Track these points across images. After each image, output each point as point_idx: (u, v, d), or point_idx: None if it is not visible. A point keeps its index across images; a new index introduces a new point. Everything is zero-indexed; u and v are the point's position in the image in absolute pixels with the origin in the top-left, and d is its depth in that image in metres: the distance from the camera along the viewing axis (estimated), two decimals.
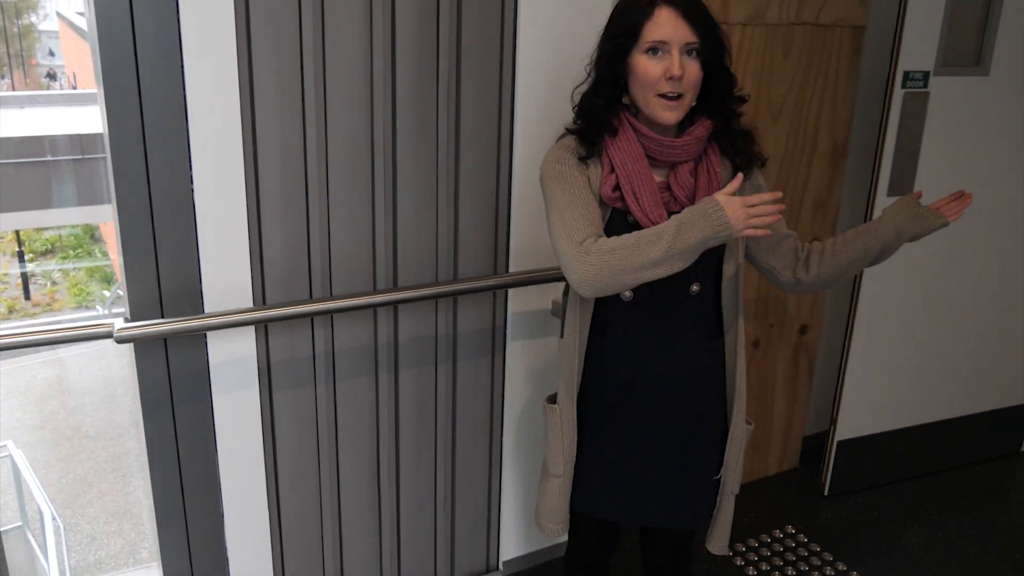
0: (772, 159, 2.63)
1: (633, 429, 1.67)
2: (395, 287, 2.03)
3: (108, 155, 1.67)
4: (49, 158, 10.13)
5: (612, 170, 1.55)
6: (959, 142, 2.68)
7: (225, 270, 1.81)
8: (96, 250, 19.06)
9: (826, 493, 2.97)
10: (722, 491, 1.73)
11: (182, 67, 1.66)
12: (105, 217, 11.87)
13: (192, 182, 1.73)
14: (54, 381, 12.06)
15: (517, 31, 2.00)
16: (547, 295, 2.25)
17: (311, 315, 1.92)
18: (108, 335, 1.67)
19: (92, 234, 19.34)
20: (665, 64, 1.47)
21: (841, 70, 2.69)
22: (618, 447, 1.69)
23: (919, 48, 2.51)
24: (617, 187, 1.54)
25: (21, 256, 17.14)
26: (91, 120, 10.82)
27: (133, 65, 1.63)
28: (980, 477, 3.14)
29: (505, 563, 2.46)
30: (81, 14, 19.32)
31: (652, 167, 1.56)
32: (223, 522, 1.99)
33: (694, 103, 1.53)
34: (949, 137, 2.65)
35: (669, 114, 1.50)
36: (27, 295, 16.44)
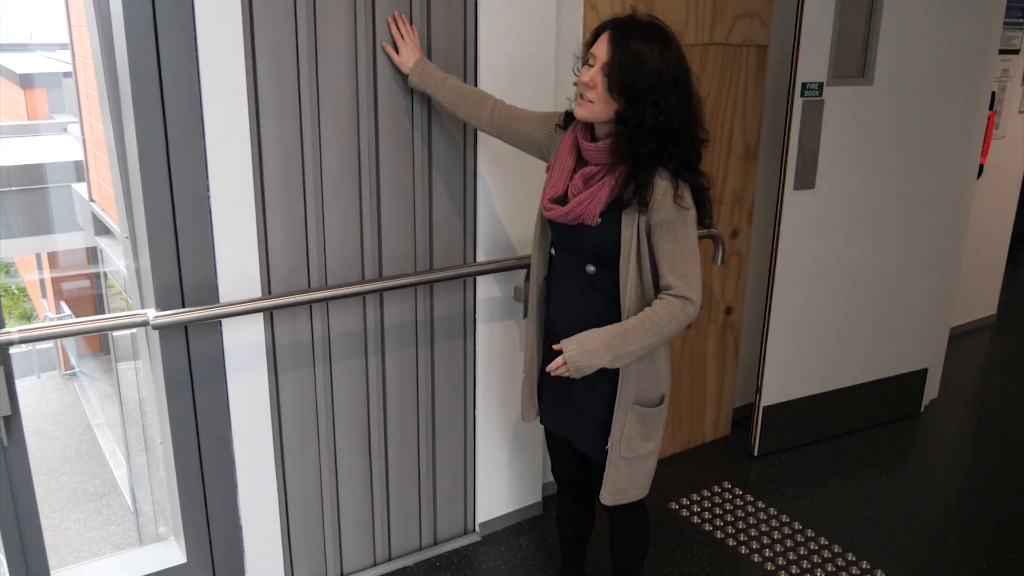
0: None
1: (547, 359, 2.09)
2: (380, 277, 2.33)
3: (138, 167, 1.94)
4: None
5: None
6: (852, 141, 3.12)
7: (237, 264, 2.08)
8: (13, 285, 18.57)
9: (755, 454, 3.36)
10: (610, 454, 2.00)
11: (200, 90, 1.94)
12: (45, 247, 11.71)
13: (208, 189, 2.01)
14: None
15: (478, 57, 2.33)
16: (509, 282, 2.58)
17: (310, 303, 2.21)
18: (144, 323, 1.93)
19: (7, 270, 18.84)
20: (588, 74, 1.82)
21: (749, 83, 3.11)
22: (544, 373, 2.12)
23: (813, 62, 2.94)
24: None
25: None
26: (18, 152, 10.71)
27: (158, 91, 1.91)
28: (887, 435, 3.58)
29: (481, 524, 2.77)
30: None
31: (585, 164, 1.90)
32: (236, 490, 2.25)
33: (607, 117, 1.79)
34: (843, 137, 3.09)
35: (578, 109, 1.84)
36: None
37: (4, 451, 1.93)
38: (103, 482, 9.79)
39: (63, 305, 12.71)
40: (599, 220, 1.85)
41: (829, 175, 3.11)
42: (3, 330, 1.81)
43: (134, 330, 2.48)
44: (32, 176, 10.08)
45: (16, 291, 18.32)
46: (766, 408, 3.32)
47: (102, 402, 11.48)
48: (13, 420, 1.92)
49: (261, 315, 2.15)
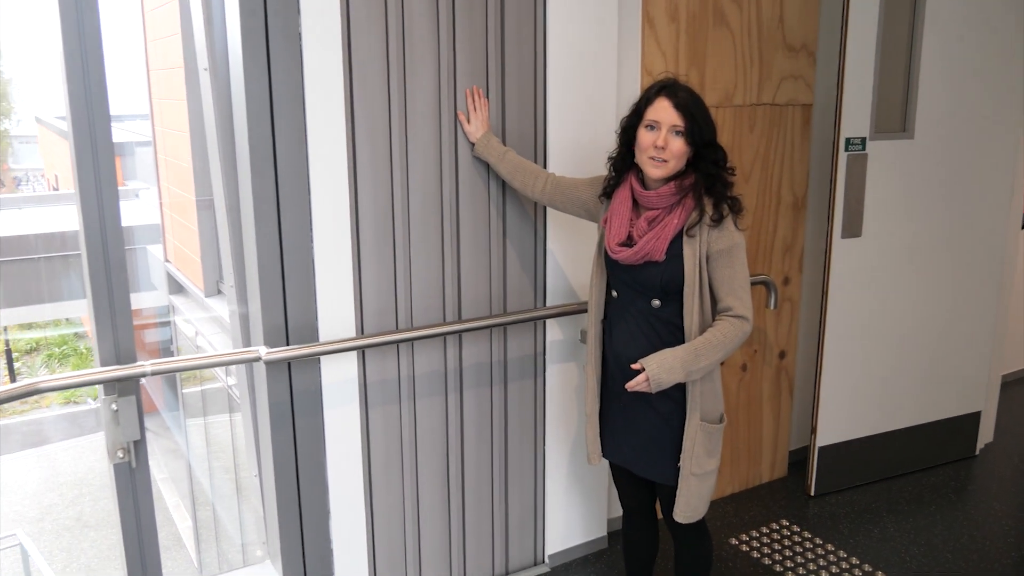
0: (746, 212, 3.21)
1: (607, 397, 2.33)
2: (460, 319, 2.56)
3: (252, 221, 2.21)
4: (37, 256, 10.55)
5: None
6: (896, 192, 3.30)
7: (335, 307, 2.33)
8: (82, 346, 19.27)
9: (812, 494, 3.47)
10: (682, 471, 2.19)
11: (307, 154, 2.22)
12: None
13: (312, 241, 2.27)
14: (48, 475, 12.18)
15: (548, 119, 2.59)
16: (575, 326, 2.79)
17: (398, 342, 2.44)
18: (257, 359, 2.18)
19: (76, 332, 19.57)
20: (655, 136, 2.07)
21: (796, 139, 3.32)
22: (609, 409, 2.33)
23: (856, 119, 3.14)
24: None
25: (9, 356, 17.32)
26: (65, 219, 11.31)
27: (271, 157, 2.19)
28: (943, 476, 3.66)
29: (550, 556, 2.93)
30: (61, 118, 19.89)
31: (644, 210, 2.15)
32: (329, 516, 2.46)
33: (681, 168, 2.09)
34: (887, 188, 3.26)
35: (655, 170, 2.07)
36: None
37: (132, 472, 2.18)
38: (167, 535, 10.05)
39: None
40: (664, 256, 2.08)
41: (875, 224, 3.28)
42: (137, 363, 2.07)
43: (210, 385, 2.70)
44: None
45: (84, 351, 19.02)
46: (821, 449, 3.44)
47: (166, 457, 11.85)
48: (140, 445, 2.17)
49: (355, 353, 2.39)
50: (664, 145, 2.04)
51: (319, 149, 2.23)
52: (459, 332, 2.55)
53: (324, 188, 2.26)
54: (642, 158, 2.10)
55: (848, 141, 3.15)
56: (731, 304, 2.08)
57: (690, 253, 2.08)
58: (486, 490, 2.75)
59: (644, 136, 2.08)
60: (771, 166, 3.28)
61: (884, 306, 3.41)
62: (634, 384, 2.07)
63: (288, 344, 2.30)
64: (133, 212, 12.04)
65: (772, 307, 3.08)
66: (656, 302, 2.14)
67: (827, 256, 3.26)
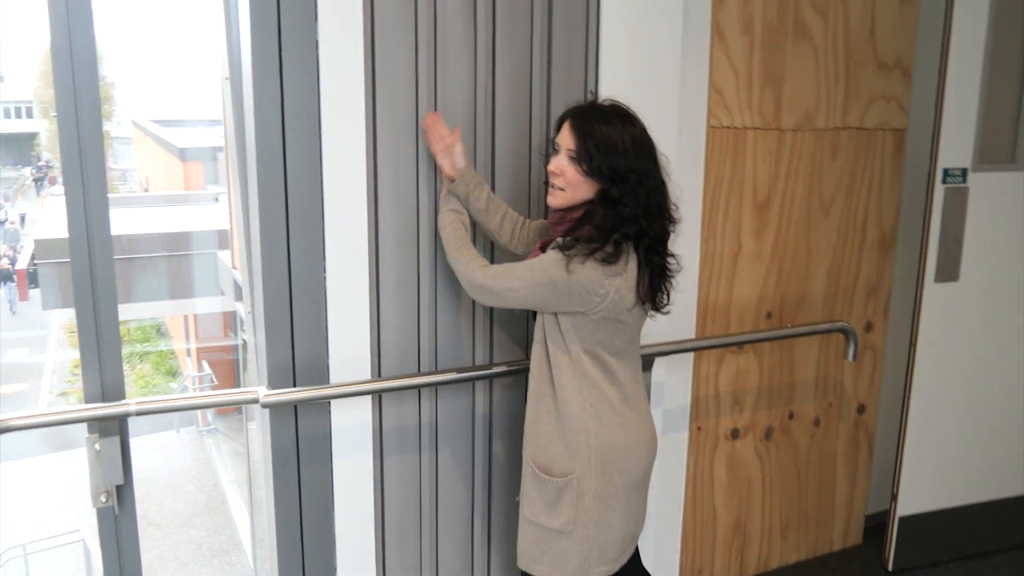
0: (824, 250, 2.88)
1: None
2: (490, 363, 2.29)
3: (259, 245, 1.99)
4: (131, 256, 10.78)
5: None
6: (1001, 231, 2.90)
7: (348, 345, 2.09)
8: (161, 344, 19.77)
9: (890, 568, 3.08)
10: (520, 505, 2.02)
11: (321, 173, 1.99)
12: (186, 310, 12.42)
13: (325, 270, 2.04)
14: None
15: None
16: None
17: (420, 387, 2.19)
18: (255, 401, 1.95)
19: (158, 328, 20.10)
20: (554, 161, 1.85)
21: (886, 168, 2.95)
22: None
23: (956, 147, 2.76)
24: None
25: None
26: (172, 220, 11.50)
27: (282, 174, 1.97)
28: None
29: None
30: (158, 121, 20.54)
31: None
32: (335, 573, 2.22)
33: (585, 198, 1.83)
34: (990, 228, 2.87)
35: (550, 197, 1.89)
36: None
37: (115, 519, 1.98)
38: (228, 539, 10.09)
39: (204, 364, 13.38)
40: None
41: (975, 267, 2.88)
42: (122, 401, 1.87)
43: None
44: (181, 243, 10.78)
45: (165, 350, 19.51)
46: (903, 519, 3.04)
47: (233, 460, 11.93)
48: (125, 489, 1.97)
49: (369, 397, 2.15)
50: (556, 170, 1.84)
51: (335, 167, 2.00)
52: (489, 377, 2.28)
53: (340, 211, 2.03)
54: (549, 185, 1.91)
55: (946, 172, 2.78)
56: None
57: None
58: (515, 545, 2.47)
59: (550, 160, 1.89)
60: (856, 198, 2.92)
61: (982, 359, 3.00)
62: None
63: (295, 384, 2.07)
64: (210, 217, 12.24)
65: (851, 358, 2.73)
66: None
67: (917, 301, 2.89)
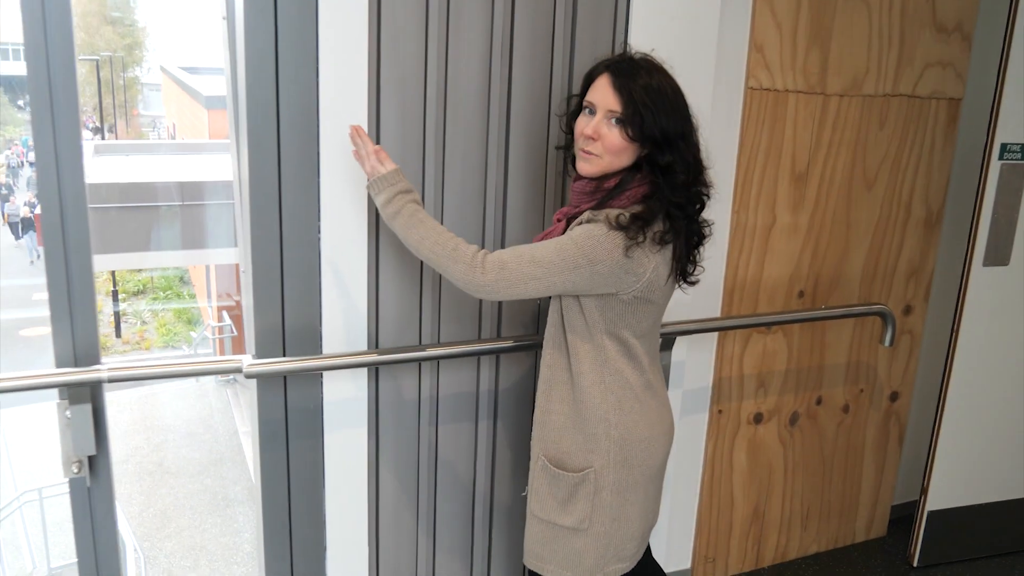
0: (865, 227, 2.67)
1: None
2: (498, 336, 2.13)
3: (248, 201, 1.82)
4: (151, 204, 10.69)
5: None
6: None
7: (343, 313, 1.93)
8: (185, 292, 19.85)
9: (915, 564, 2.91)
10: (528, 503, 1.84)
11: (317, 126, 1.82)
12: (200, 261, 12.35)
13: (319, 231, 1.87)
14: (139, 417, 12.48)
15: None
16: None
17: (420, 360, 2.03)
18: (238, 370, 1.80)
19: (181, 278, 20.16)
20: (587, 123, 1.62)
21: (937, 140, 2.72)
22: None
23: (1017, 120, 2.53)
24: None
25: (115, 295, 17.94)
26: (192, 169, 11.38)
27: (275, 120, 1.79)
28: None
29: None
30: (186, 68, 20.38)
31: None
32: (325, 555, 2.08)
33: (623, 167, 1.63)
34: None
35: (583, 164, 1.65)
36: (118, 333, 17.14)
37: (88, 492, 1.85)
38: (243, 489, 10.10)
39: (224, 315, 13.37)
40: None
41: None
42: (93, 367, 1.72)
43: None
44: (198, 192, 10.66)
45: (187, 296, 19.60)
46: (931, 513, 2.87)
47: (251, 410, 11.98)
48: (99, 460, 1.84)
49: (365, 369, 1.99)
50: (594, 135, 1.60)
51: (333, 118, 1.82)
52: (496, 352, 2.12)
53: (338, 169, 1.85)
54: (576, 149, 1.68)
55: (1004, 147, 2.55)
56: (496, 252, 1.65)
57: None
58: (518, 536, 2.33)
59: (579, 122, 1.66)
60: (902, 172, 2.69)
61: None
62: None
63: (284, 353, 1.92)
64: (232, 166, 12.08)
65: (887, 344, 2.53)
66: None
67: (963, 286, 2.68)
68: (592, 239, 1.57)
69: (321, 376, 1.96)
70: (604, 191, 1.65)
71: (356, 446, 2.04)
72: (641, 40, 2.05)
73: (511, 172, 2.04)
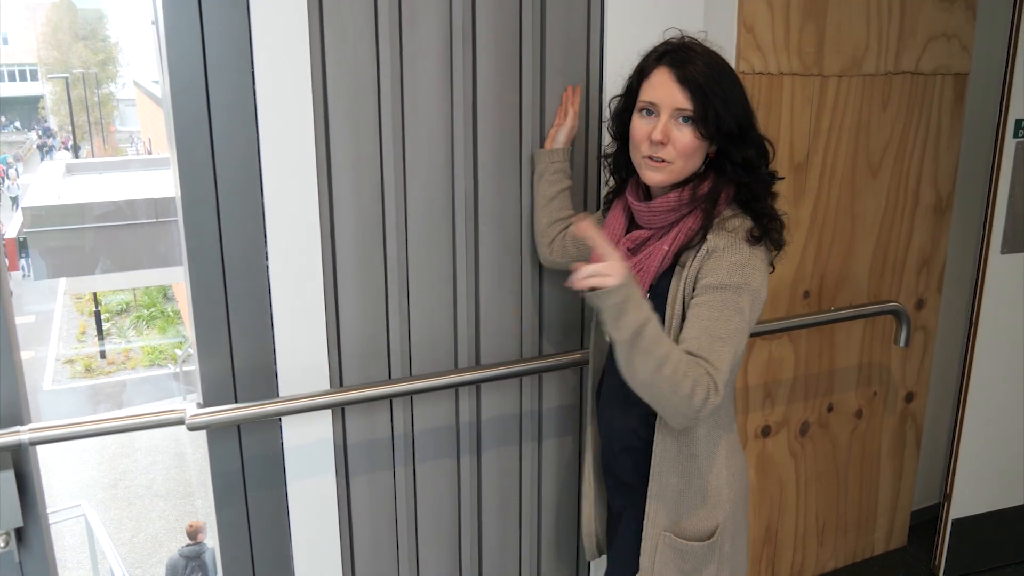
0: (871, 217, 2.46)
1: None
2: (478, 365, 1.91)
3: (181, 227, 1.60)
4: (127, 222, 10.43)
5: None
6: None
7: (301, 348, 1.71)
8: (169, 309, 19.53)
9: (941, 575, 2.72)
10: None
11: (257, 136, 1.59)
12: (181, 278, 12.10)
13: (267, 257, 1.65)
14: (127, 440, 12.22)
15: (604, 92, 1.89)
16: None
17: (391, 396, 1.81)
18: (180, 422, 1.58)
19: (165, 293, 19.86)
20: (651, 126, 1.40)
21: (944, 120, 2.52)
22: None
23: None
24: None
25: (98, 316, 17.63)
26: (167, 184, 11.11)
27: (207, 133, 1.57)
28: None
29: None
30: (157, 82, 20.15)
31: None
32: None
33: (696, 170, 1.44)
34: None
35: (651, 174, 1.43)
36: (103, 355, 16.85)
37: (20, 568, 1.62)
38: None
39: None
40: (647, 295, 1.43)
41: None
42: (11, 429, 1.49)
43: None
44: (173, 209, 10.40)
45: (171, 314, 19.30)
46: (956, 521, 2.67)
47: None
48: (30, 530, 1.61)
49: (329, 411, 1.77)
50: (664, 139, 1.38)
51: (275, 132, 1.60)
52: (477, 383, 1.90)
53: (283, 185, 1.63)
54: (636, 157, 1.47)
55: (1020, 124, 2.35)
56: (695, 351, 1.33)
57: (674, 289, 1.43)
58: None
59: (638, 126, 1.43)
60: (908, 155, 2.49)
61: None
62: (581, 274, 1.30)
63: (236, 399, 1.70)
64: None
65: (902, 344, 2.33)
66: None
67: (979, 276, 2.48)
68: (748, 269, 1.37)
69: (280, 420, 1.74)
70: (700, 200, 1.43)
71: (324, 492, 1.81)
72: (619, 22, 1.84)
73: (481, 180, 1.82)
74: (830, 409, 2.59)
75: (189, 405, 1.61)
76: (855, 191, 2.42)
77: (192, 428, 1.57)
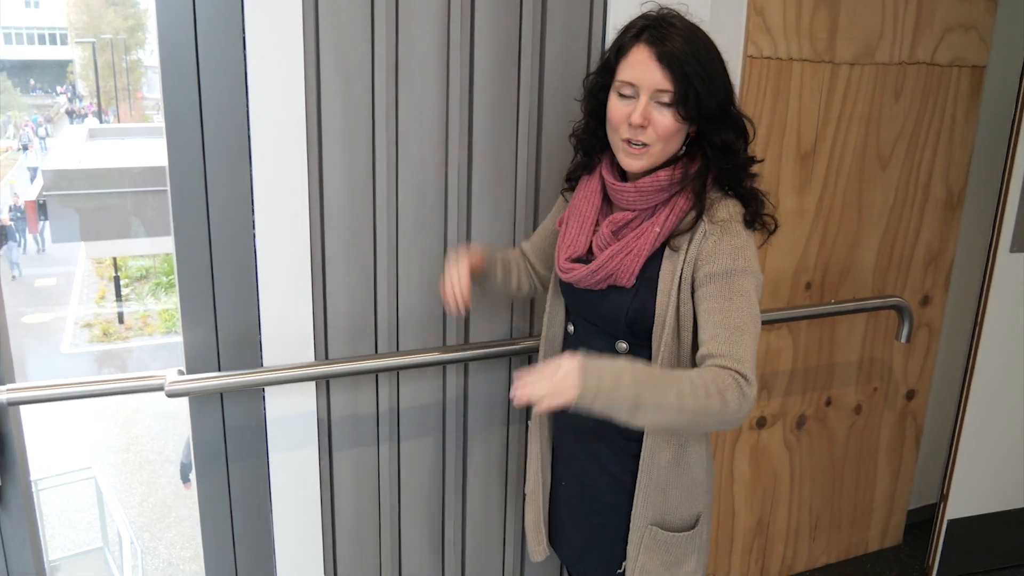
0: (879, 210, 2.42)
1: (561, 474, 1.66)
2: (466, 343, 1.89)
3: (169, 194, 1.59)
4: (149, 188, 10.48)
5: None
6: None
7: (286, 320, 1.70)
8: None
9: (934, 575, 2.69)
10: None
11: (247, 104, 1.57)
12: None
13: (254, 226, 1.64)
14: (142, 404, 12.34)
15: None
16: None
17: (376, 371, 1.80)
18: (159, 388, 1.57)
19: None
20: (630, 108, 1.35)
21: (959, 113, 2.46)
22: (555, 489, 1.69)
23: None
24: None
25: (117, 281, 17.77)
26: None
27: (197, 100, 1.55)
28: None
29: None
30: None
31: (617, 210, 1.44)
32: None
33: (675, 153, 1.39)
34: None
35: (630, 161, 1.38)
36: (120, 319, 16.99)
37: None
38: None
39: None
40: (635, 280, 1.39)
41: None
42: None
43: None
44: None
45: None
46: (952, 522, 2.63)
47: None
48: (8, 489, 1.62)
49: (313, 383, 1.76)
50: (643, 122, 1.33)
51: (265, 102, 1.58)
52: (465, 360, 1.88)
53: (272, 153, 1.61)
54: (614, 140, 1.40)
55: None
56: (715, 350, 1.27)
57: (668, 274, 1.37)
58: (494, 558, 2.11)
59: (616, 107, 1.37)
60: (920, 149, 2.43)
61: None
62: (524, 384, 1.23)
63: (220, 367, 1.69)
64: None
65: (904, 340, 2.29)
66: (622, 345, 1.44)
67: (987, 274, 2.42)
68: (747, 251, 1.34)
69: (263, 390, 1.73)
70: (690, 179, 1.38)
71: (306, 467, 1.81)
72: (622, 4, 1.80)
73: (475, 155, 1.79)
74: (828, 403, 2.55)
75: (170, 372, 1.61)
76: (863, 183, 2.37)
77: (171, 395, 1.56)
